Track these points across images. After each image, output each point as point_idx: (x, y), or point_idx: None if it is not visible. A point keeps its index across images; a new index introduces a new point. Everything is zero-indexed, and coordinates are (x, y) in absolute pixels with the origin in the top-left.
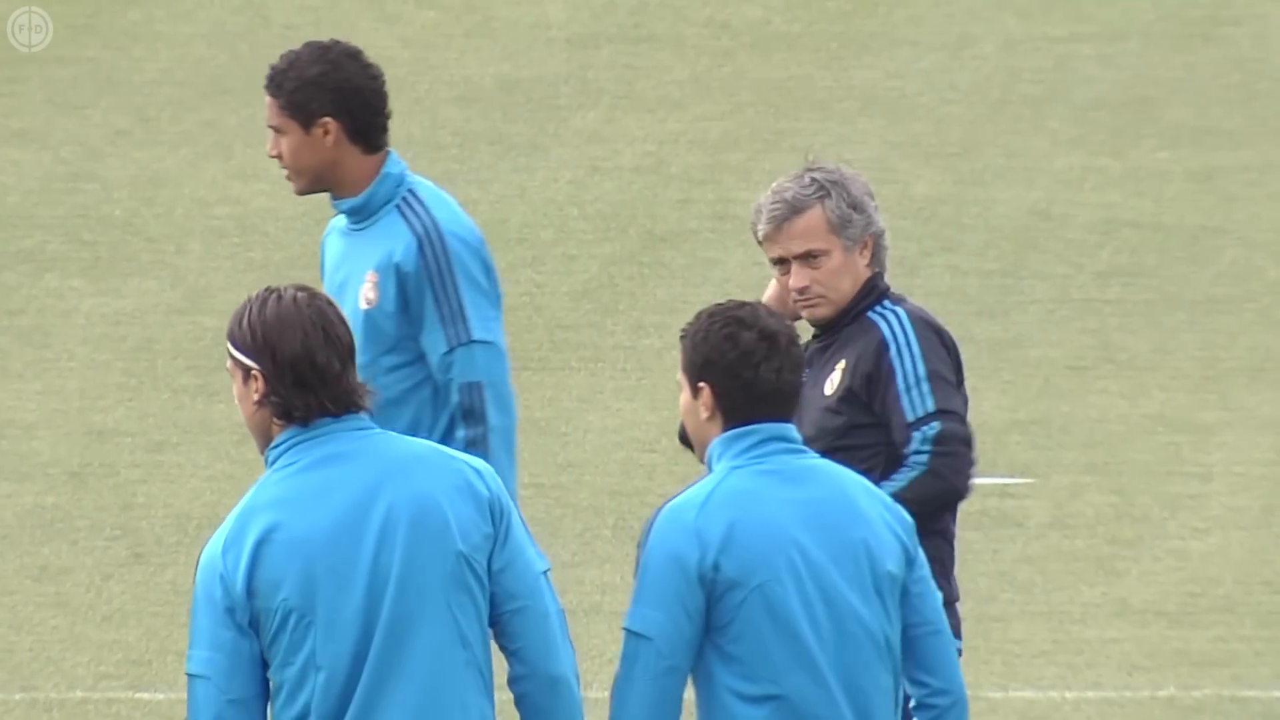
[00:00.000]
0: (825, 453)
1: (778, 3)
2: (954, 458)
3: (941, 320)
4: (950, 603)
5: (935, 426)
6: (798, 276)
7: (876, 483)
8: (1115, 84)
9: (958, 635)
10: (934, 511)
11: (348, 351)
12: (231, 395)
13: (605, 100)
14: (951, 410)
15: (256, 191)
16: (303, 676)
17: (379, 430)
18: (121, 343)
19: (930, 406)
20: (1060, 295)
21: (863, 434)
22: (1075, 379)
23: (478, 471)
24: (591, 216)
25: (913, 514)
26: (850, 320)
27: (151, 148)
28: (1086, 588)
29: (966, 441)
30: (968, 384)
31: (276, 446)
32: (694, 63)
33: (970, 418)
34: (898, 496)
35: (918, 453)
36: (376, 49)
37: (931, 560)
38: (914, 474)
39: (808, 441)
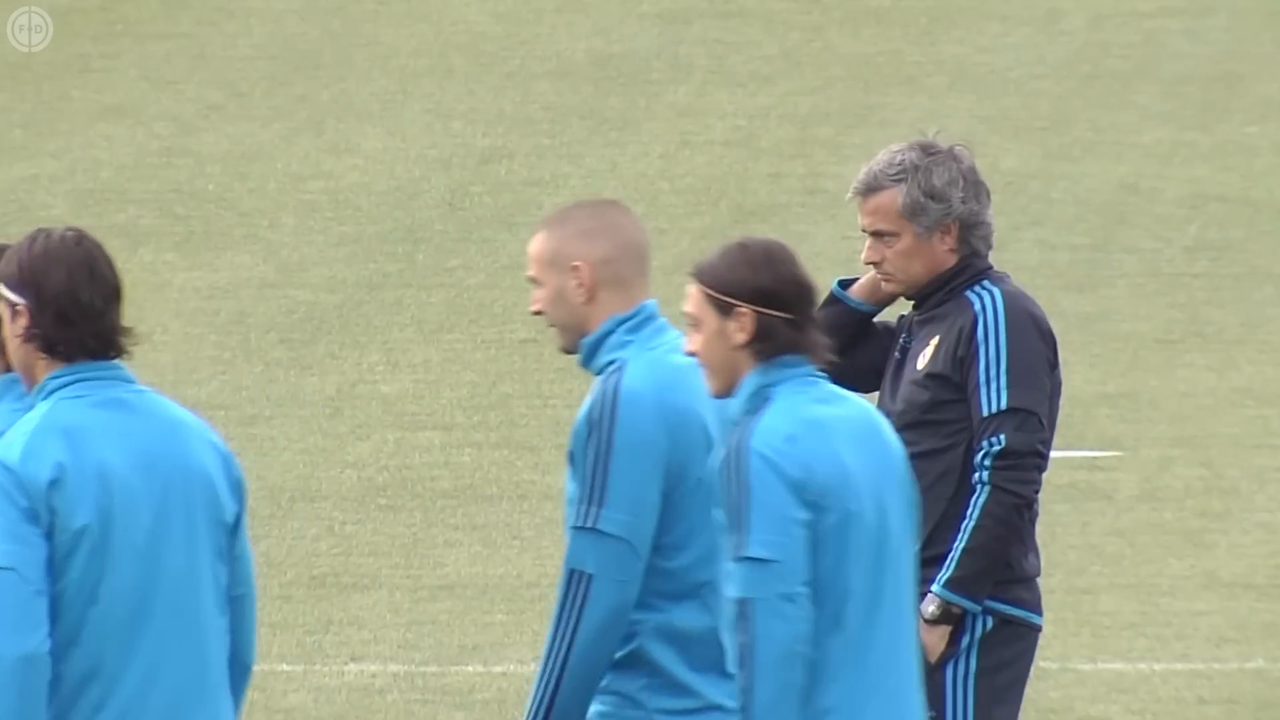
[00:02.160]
0: (911, 425)
1: None
2: (1016, 471)
3: (1037, 302)
4: (1032, 577)
5: (1000, 441)
6: (870, 251)
7: (962, 465)
8: (1203, 59)
9: (1038, 610)
10: (1016, 523)
11: (113, 292)
12: (324, 368)
13: (696, 75)
14: (1024, 409)
15: (349, 166)
16: (79, 602)
17: (146, 387)
18: (215, 317)
19: (1004, 403)
20: (1148, 269)
21: (947, 410)
22: (1163, 353)
23: (230, 453)
24: (682, 191)
25: (1000, 535)
26: (947, 297)
27: (244, 123)
28: (1175, 560)
29: (1033, 451)
30: (1062, 359)
31: (57, 378)
32: (784, 38)
33: (1060, 396)
34: (977, 528)
35: (981, 468)
36: (470, 24)
37: (1014, 534)
38: (982, 498)
39: (896, 413)
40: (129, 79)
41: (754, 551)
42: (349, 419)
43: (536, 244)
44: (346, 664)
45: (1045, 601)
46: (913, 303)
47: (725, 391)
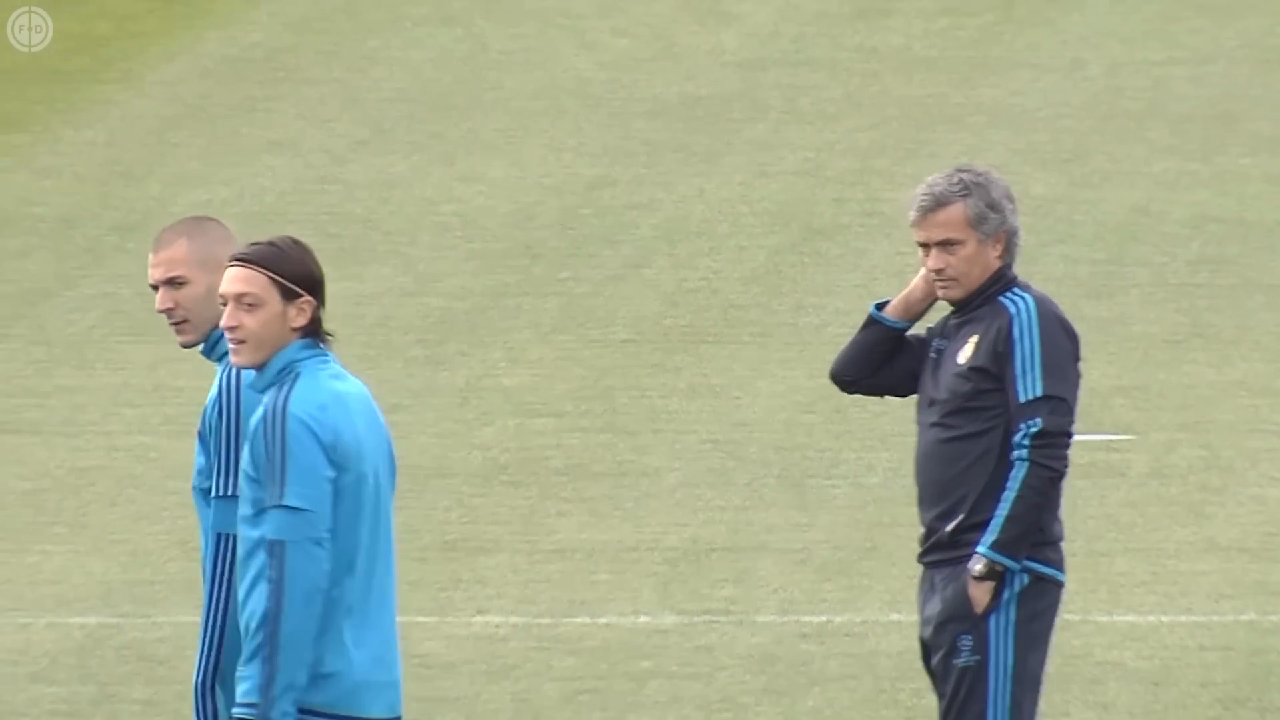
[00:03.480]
0: (954, 411)
1: (918, 30)
2: (1051, 449)
3: (1063, 307)
4: (1058, 541)
5: (1036, 424)
6: (936, 259)
7: (1000, 445)
8: (1204, 100)
9: (1063, 569)
10: (1050, 494)
11: None
12: (454, 365)
13: (771, 114)
14: (1056, 396)
15: (476, 192)
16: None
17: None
18: (361, 320)
19: (1039, 391)
20: (1157, 280)
21: (987, 398)
22: (1170, 351)
23: None
24: (759, 213)
25: (1036, 505)
26: (983, 302)
27: (387, 155)
28: (1179, 528)
29: (1063, 432)
30: (1084, 355)
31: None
32: (846, 82)
33: (1081, 386)
34: (1017, 498)
35: (1020, 448)
36: (578, 71)
37: (1049, 503)
38: (1022, 472)
39: (941, 401)
40: (288, 118)
41: (290, 501)
42: (475, 408)
43: (182, 250)
44: (474, 616)
45: (1068, 563)
46: (950, 311)
47: (261, 364)
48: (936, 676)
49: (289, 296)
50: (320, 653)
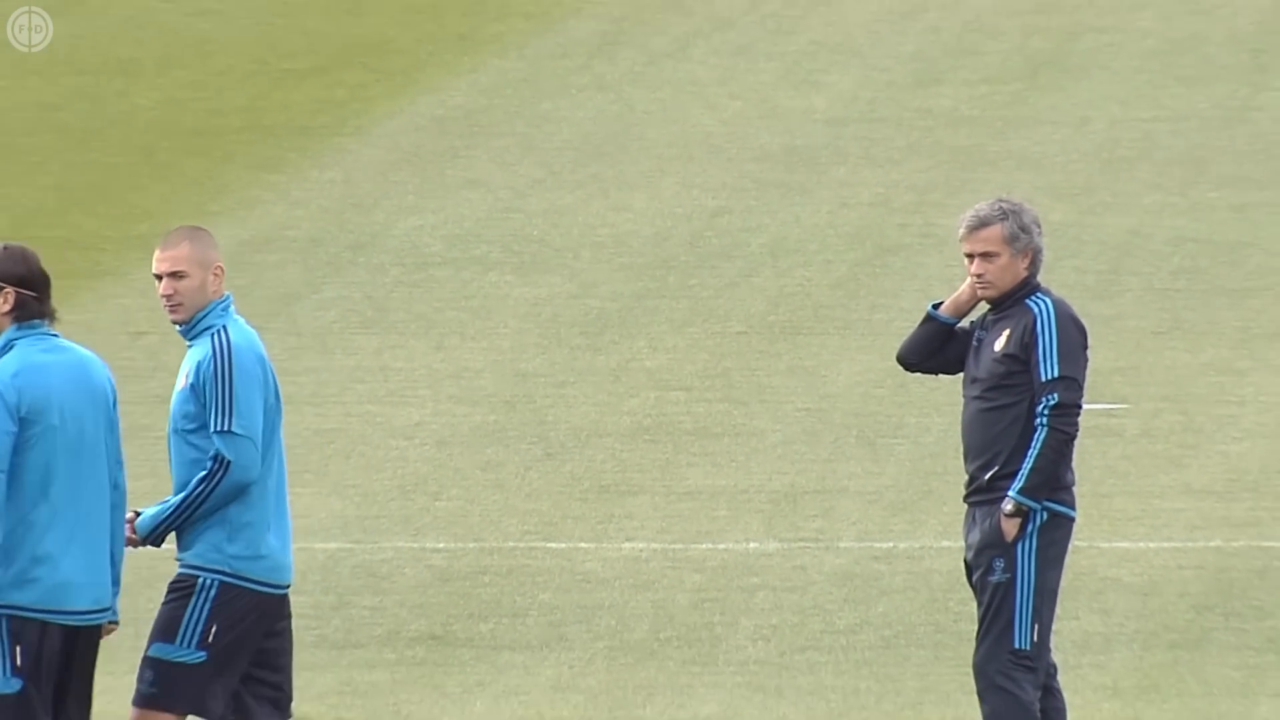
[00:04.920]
0: (992, 387)
1: (963, 95)
2: (1065, 417)
3: (1075, 307)
4: (1070, 486)
5: (1054, 398)
6: (978, 266)
7: (1026, 413)
8: (1182, 149)
9: (1074, 507)
10: (1065, 451)
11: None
12: (608, 351)
13: (850, 159)
14: (1069, 376)
15: (624, 219)
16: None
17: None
18: (537, 317)
19: (1056, 372)
20: (1145, 286)
21: (1016, 378)
22: (1155, 340)
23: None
24: (841, 235)
25: (1053, 459)
26: (1014, 304)
27: (557, 191)
28: (1163, 476)
29: (1075, 404)
30: (1090, 344)
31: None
32: (908, 134)
33: (1089, 368)
34: (1039, 454)
35: (1041, 416)
36: (704, 126)
37: (1063, 459)
38: (1042, 435)
39: (981, 379)
40: (481, 162)
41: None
42: (624, 384)
43: (185, 250)
44: (623, 543)
45: (1078, 503)
46: (988, 309)
47: None
48: (976, 590)
49: None
50: (22, 563)
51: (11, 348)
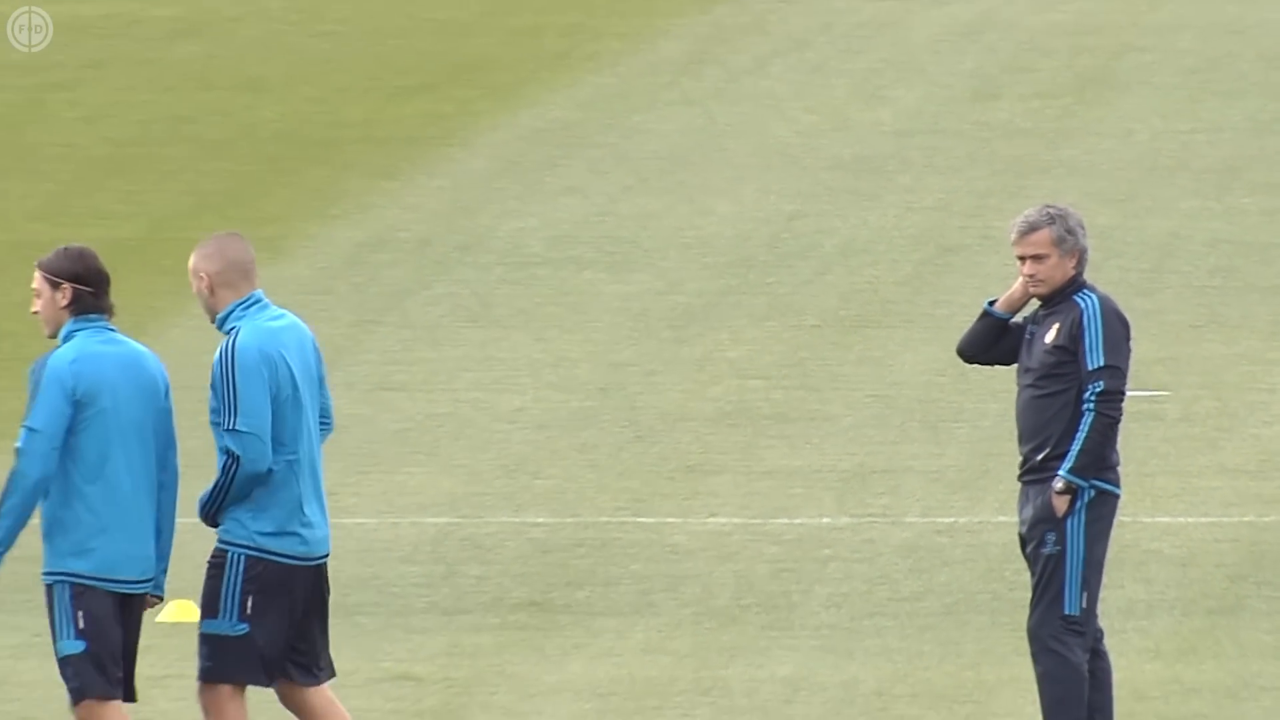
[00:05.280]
0: (1044, 376)
1: (1018, 109)
2: (1110, 403)
3: (1119, 302)
4: (1115, 466)
5: (1100, 385)
6: (1029, 267)
7: (1075, 400)
8: (1217, 158)
9: (1119, 485)
10: (1110, 434)
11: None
12: (693, 343)
13: (915, 168)
14: (1114, 365)
15: (709, 222)
16: None
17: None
18: (628, 311)
19: (1101, 361)
20: (1184, 284)
21: (1065, 367)
22: (1193, 333)
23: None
24: (907, 237)
25: (1099, 441)
26: (1063, 300)
27: (646, 196)
28: (1200, 456)
29: (1119, 391)
30: (1134, 337)
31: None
32: (968, 145)
33: (1131, 359)
34: (1087, 436)
35: (1088, 402)
36: (780, 137)
37: (1109, 441)
38: (1089, 419)
39: (1033, 369)
40: (578, 170)
41: (31, 424)
42: (708, 372)
43: (191, 261)
44: (707, 518)
45: (1124, 482)
46: (1039, 305)
47: (54, 334)
48: (1030, 561)
49: (54, 285)
50: (80, 534)
51: (72, 338)
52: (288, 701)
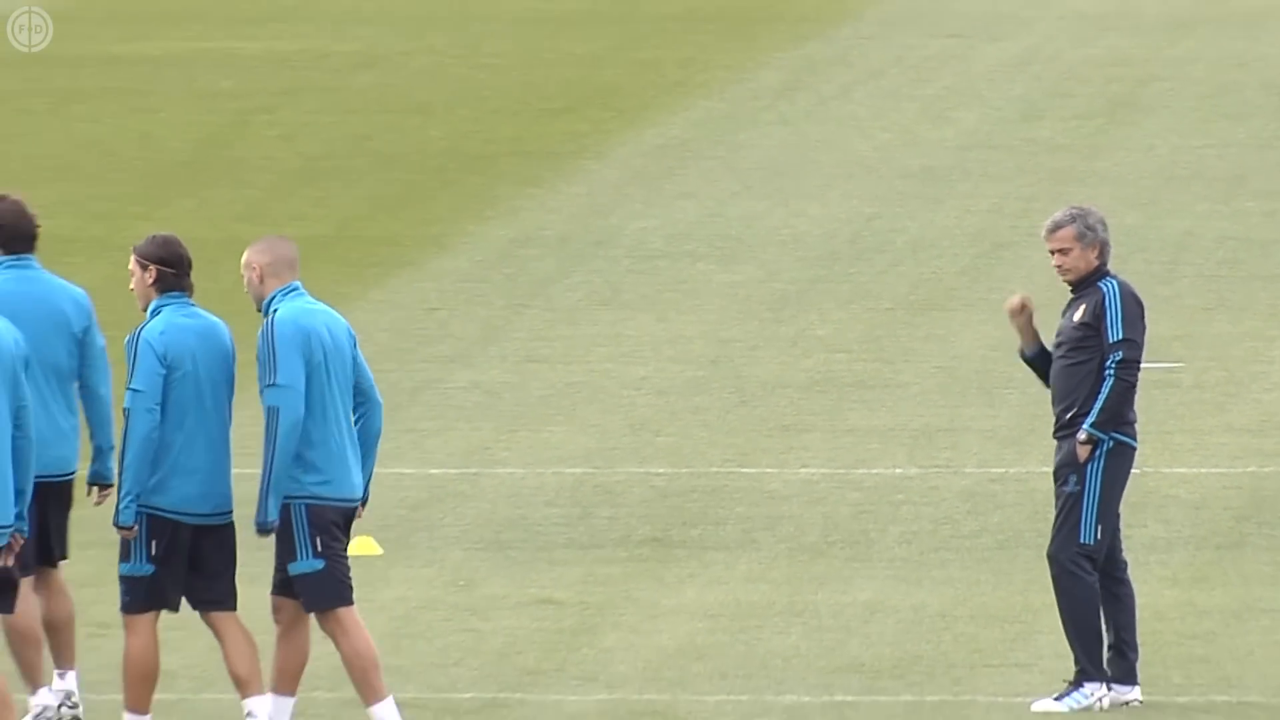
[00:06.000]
0: (1072, 349)
1: (1059, 128)
2: (1127, 369)
3: (1136, 287)
4: (1132, 422)
5: (1119, 355)
6: (1056, 259)
7: (1098, 368)
8: (1225, 168)
9: (1135, 438)
10: (1127, 396)
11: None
12: (789, 322)
13: (972, 177)
14: (1130, 339)
15: (801, 221)
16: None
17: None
18: (734, 296)
19: (1120, 335)
20: (1198, 273)
21: (1090, 341)
22: (1205, 314)
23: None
24: (966, 234)
25: (1117, 401)
26: (1088, 285)
27: (749, 201)
28: (1209, 418)
29: (1135, 360)
30: (1154, 318)
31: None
32: (1017, 158)
33: (1150, 334)
34: (1106, 397)
35: (1109, 368)
36: (860, 150)
37: (1126, 402)
38: (1109, 384)
39: (1064, 343)
40: (692, 178)
41: (135, 385)
42: (801, 347)
43: (245, 255)
44: (799, 469)
45: (1143, 437)
46: (1070, 292)
47: (144, 307)
48: (1056, 498)
49: (144, 267)
50: (161, 475)
51: (159, 312)
52: (326, 628)
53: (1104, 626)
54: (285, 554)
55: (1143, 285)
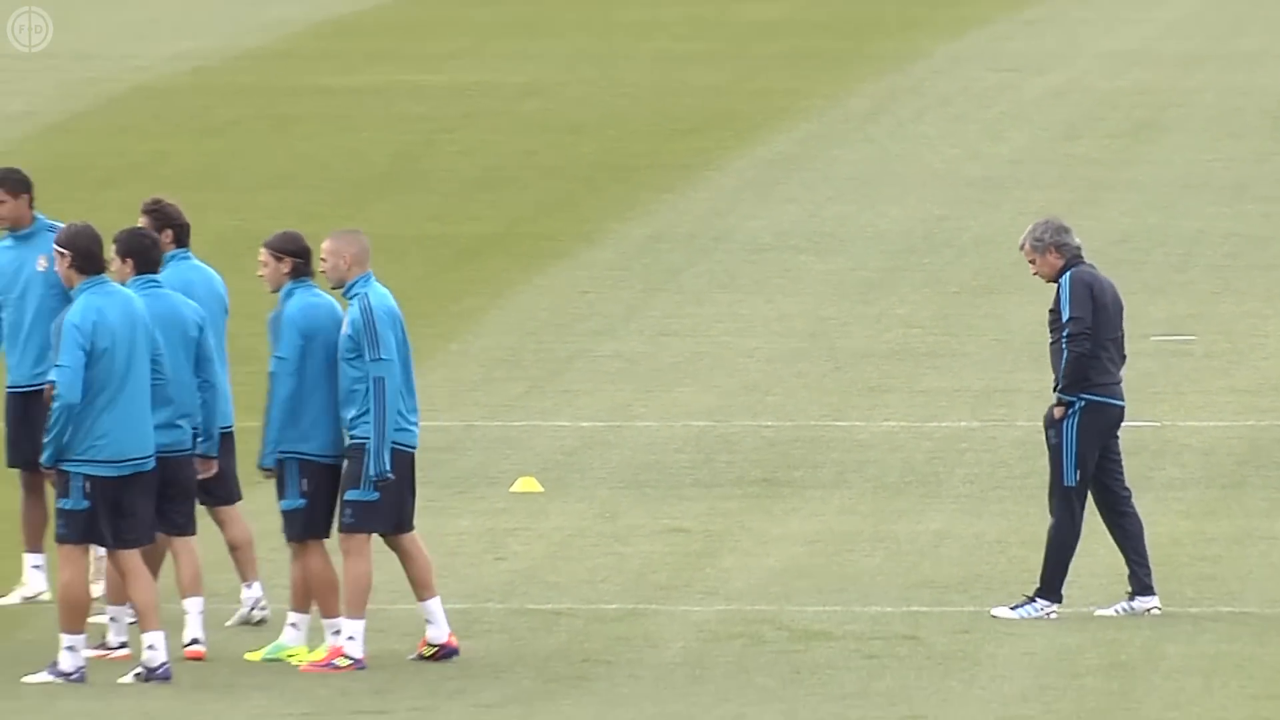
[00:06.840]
0: (1051, 331)
1: (1095, 147)
2: (1075, 343)
3: (1101, 273)
4: (1102, 382)
5: (1068, 331)
6: (1031, 269)
7: (1063, 350)
8: (1233, 179)
9: (1113, 397)
10: (1084, 362)
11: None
12: (873, 300)
13: (1023, 185)
14: (1077, 316)
15: (884, 221)
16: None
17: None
18: (829, 282)
19: (1069, 314)
20: (1208, 264)
21: (1057, 323)
22: (1213, 296)
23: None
24: (1019, 231)
25: (1076, 367)
26: (1056, 278)
27: (842, 204)
28: (1216, 380)
29: (1081, 333)
30: (1162, 306)
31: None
32: (1060, 169)
33: (1164, 314)
34: (1065, 365)
35: (1063, 341)
36: (930, 165)
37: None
38: (1065, 356)
39: (1049, 325)
40: (795, 186)
41: (280, 354)
42: (884, 323)
43: (327, 245)
44: (882, 422)
45: (1161, 397)
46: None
47: (275, 290)
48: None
49: (278, 258)
50: (305, 424)
51: (292, 295)
52: (390, 544)
53: (1120, 551)
54: (350, 480)
55: (1161, 274)
